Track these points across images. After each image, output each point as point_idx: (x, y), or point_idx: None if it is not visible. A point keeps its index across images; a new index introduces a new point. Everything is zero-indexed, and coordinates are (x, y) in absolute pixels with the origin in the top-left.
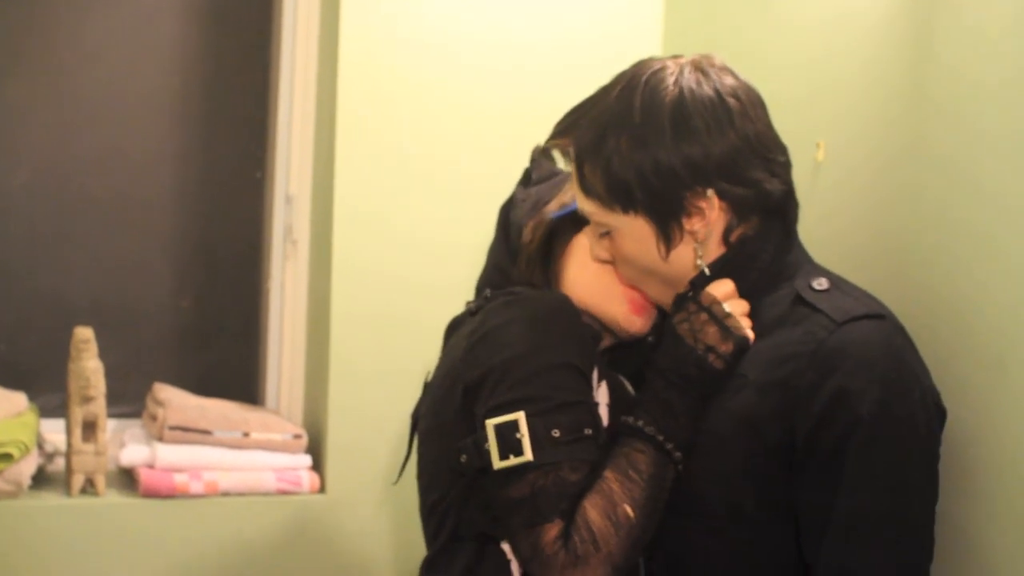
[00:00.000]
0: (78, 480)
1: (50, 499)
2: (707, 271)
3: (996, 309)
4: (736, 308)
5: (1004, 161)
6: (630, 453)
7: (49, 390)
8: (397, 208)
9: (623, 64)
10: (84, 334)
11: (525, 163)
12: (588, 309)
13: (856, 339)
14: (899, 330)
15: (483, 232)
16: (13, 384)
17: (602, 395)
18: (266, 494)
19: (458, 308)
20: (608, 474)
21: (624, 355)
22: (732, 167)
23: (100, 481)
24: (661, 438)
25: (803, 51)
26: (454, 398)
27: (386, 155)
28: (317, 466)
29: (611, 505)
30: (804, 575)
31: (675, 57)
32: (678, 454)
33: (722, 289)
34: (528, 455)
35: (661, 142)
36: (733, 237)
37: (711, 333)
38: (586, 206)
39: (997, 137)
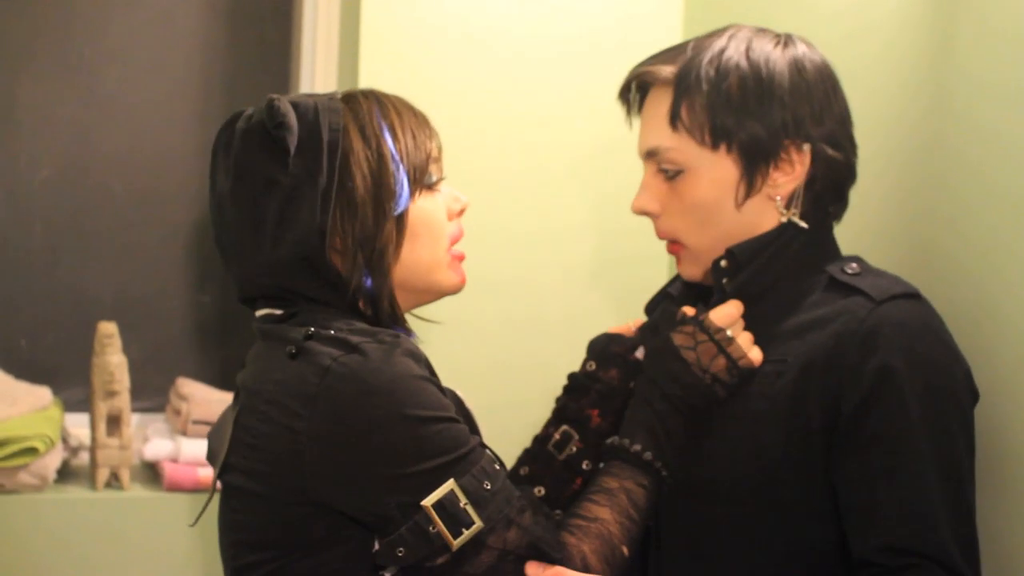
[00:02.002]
0: (103, 474)
1: (75, 493)
2: (801, 223)
3: (1016, 309)
4: (740, 333)
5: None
6: (633, 489)
7: (73, 384)
8: None
9: (643, 50)
10: (108, 329)
11: (550, 152)
12: (417, 287)
13: (896, 318)
14: (934, 310)
15: (504, 225)
16: (37, 379)
17: None
18: None
19: (475, 303)
20: (608, 515)
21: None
22: (832, 133)
23: (125, 475)
24: (665, 473)
25: (822, 39)
26: (297, 475)
27: None
28: None
29: (610, 549)
30: (837, 564)
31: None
32: (670, 480)
33: (726, 314)
34: (478, 521)
35: (776, 92)
36: (793, 207)
37: (719, 364)
38: (666, 140)
39: (1018, 131)
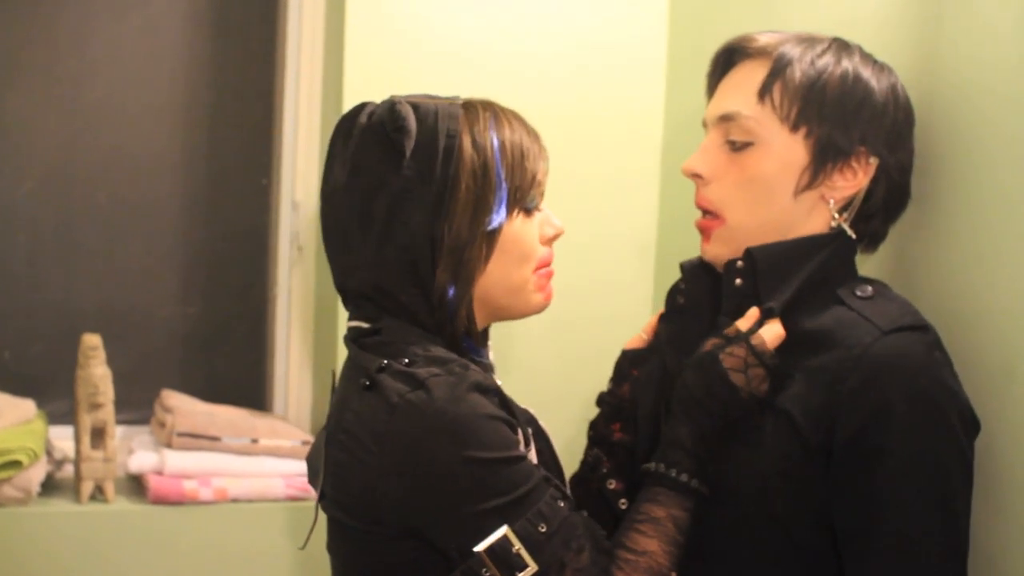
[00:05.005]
0: (87, 487)
1: (59, 506)
2: (850, 232)
3: (1003, 316)
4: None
5: (1013, 162)
6: (679, 516)
7: (57, 397)
8: None
9: (628, 67)
10: (92, 341)
11: None
12: (500, 303)
13: (899, 351)
14: (939, 343)
15: None
16: (21, 391)
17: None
18: (275, 500)
19: None
20: (656, 547)
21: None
22: (901, 162)
23: (109, 488)
24: (705, 490)
25: None
26: (376, 509)
27: None
28: None
29: None
30: None
31: None
32: (708, 494)
33: (777, 336)
34: (532, 565)
35: (868, 103)
36: (846, 214)
37: (765, 387)
38: (747, 108)
39: (1004, 139)
